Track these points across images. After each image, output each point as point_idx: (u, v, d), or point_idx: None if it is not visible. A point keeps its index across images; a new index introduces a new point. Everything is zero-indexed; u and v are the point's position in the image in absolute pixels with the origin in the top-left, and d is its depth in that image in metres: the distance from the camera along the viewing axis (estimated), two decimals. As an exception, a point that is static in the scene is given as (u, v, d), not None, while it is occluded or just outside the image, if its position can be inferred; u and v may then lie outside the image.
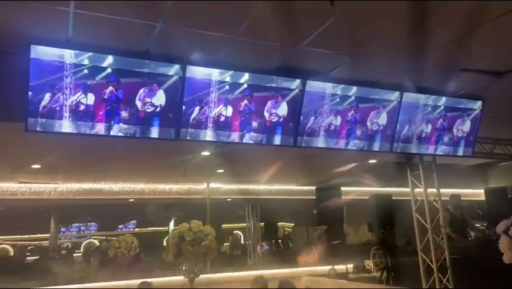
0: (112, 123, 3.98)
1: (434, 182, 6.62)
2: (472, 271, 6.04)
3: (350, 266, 9.25)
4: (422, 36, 3.97)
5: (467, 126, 5.60)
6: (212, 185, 8.62)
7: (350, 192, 9.82)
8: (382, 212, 7.64)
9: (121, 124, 4.01)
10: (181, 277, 6.43)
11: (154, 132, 4.13)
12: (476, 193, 10.74)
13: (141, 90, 4.02)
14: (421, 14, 3.59)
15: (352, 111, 5.02)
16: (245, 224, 11.42)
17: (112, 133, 3.99)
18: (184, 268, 5.25)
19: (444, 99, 5.37)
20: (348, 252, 10.10)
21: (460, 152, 5.66)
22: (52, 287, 6.73)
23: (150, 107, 4.08)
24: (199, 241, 5.16)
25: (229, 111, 4.39)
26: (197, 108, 4.25)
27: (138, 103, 4.03)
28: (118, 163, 6.54)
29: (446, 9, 3.53)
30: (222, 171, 7.52)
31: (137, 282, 5.84)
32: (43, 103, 3.70)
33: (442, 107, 5.44)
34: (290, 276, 8.89)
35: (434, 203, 6.56)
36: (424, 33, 3.91)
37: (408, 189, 6.84)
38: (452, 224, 6.92)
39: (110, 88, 3.91)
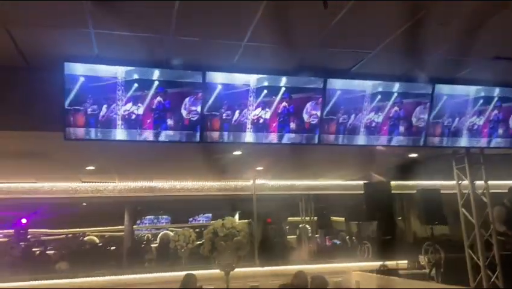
0: (159, 130, 4.30)
1: (482, 174, 6.23)
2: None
3: (402, 262, 8.98)
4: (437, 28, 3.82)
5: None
6: (259, 181, 8.87)
7: (401, 186, 9.49)
8: (430, 207, 7.33)
9: (168, 130, 4.32)
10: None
11: (197, 137, 4.41)
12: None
13: (187, 99, 4.31)
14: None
15: (396, 107, 4.93)
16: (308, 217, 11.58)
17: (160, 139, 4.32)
18: (217, 262, 5.53)
19: (496, 89, 5.06)
20: (402, 247, 9.80)
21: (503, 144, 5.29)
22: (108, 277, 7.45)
23: (194, 115, 4.35)
24: (231, 237, 5.41)
25: (267, 114, 4.55)
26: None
27: (184, 112, 4.31)
28: (167, 163, 7.02)
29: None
30: (261, 168, 7.72)
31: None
32: (97, 113, 4.13)
33: (495, 98, 5.14)
34: (340, 270, 8.93)
35: (482, 197, 6.18)
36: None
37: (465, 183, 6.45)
38: (508, 220, 6.46)
39: (158, 98, 4.24)
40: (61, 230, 18.25)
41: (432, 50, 4.36)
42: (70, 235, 18.80)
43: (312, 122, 4.70)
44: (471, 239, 6.21)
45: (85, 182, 8.15)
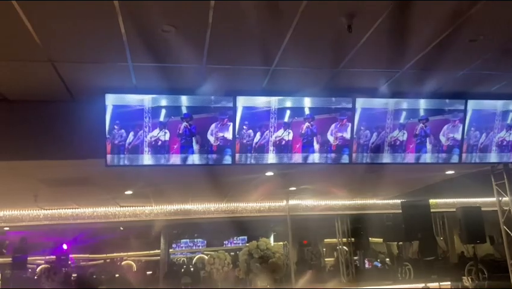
0: (187, 154, 4.50)
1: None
2: None
3: (445, 283, 8.64)
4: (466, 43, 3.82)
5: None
6: (292, 202, 8.86)
7: (441, 204, 9.22)
8: (470, 225, 7.08)
9: (194, 154, 4.52)
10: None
11: (225, 160, 4.58)
12: None
13: (213, 125, 4.50)
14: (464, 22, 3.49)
15: (421, 124, 4.91)
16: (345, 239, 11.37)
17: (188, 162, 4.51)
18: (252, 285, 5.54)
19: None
20: (444, 268, 9.45)
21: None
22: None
23: (221, 140, 4.53)
24: (266, 259, 5.43)
25: (290, 135, 4.65)
26: (258, 134, 4.60)
27: (211, 138, 4.50)
28: (197, 186, 7.18)
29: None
30: (295, 188, 7.73)
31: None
32: (127, 140, 4.36)
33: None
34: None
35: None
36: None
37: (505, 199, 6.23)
38: None
39: (185, 123, 4.44)
40: (100, 256, 18.72)
41: (463, 66, 4.34)
42: (108, 260, 19.20)
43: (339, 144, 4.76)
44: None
45: (123, 206, 8.44)
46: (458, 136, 4.99)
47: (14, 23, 3.13)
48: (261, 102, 4.58)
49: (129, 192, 7.13)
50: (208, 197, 8.45)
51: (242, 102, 4.52)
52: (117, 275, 16.39)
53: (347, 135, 4.78)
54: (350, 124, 4.75)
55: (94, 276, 14.71)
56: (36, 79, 4.15)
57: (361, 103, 4.77)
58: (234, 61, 3.98)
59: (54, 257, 13.01)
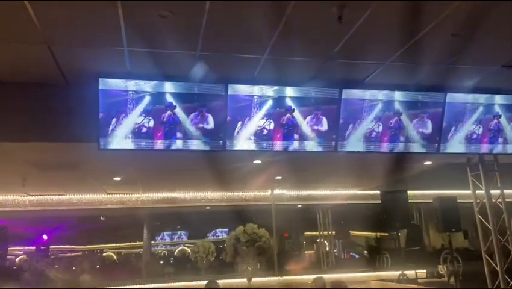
0: (169, 140, 4.60)
1: (497, 181, 6.34)
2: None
3: (421, 271, 9.02)
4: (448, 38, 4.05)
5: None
6: (277, 191, 9.08)
7: (419, 195, 9.58)
8: (446, 214, 7.41)
9: (177, 140, 4.62)
10: (244, 279, 7.00)
11: (206, 146, 4.68)
12: None
13: (192, 115, 4.59)
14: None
15: (396, 117, 5.13)
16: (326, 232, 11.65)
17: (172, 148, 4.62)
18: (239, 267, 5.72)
19: (499, 97, 5.26)
20: (421, 257, 9.84)
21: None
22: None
23: (200, 129, 4.63)
24: (253, 242, 5.62)
25: (271, 125, 4.79)
26: (239, 123, 4.72)
27: (191, 127, 4.61)
28: (186, 174, 7.30)
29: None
30: (280, 178, 7.93)
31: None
32: (112, 126, 4.45)
33: (494, 105, 5.31)
34: (359, 280, 9.01)
35: (498, 204, 6.28)
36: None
37: (480, 192, 6.55)
38: None
39: (168, 112, 4.54)
40: (80, 247, 18.59)
41: (443, 60, 4.59)
42: (87, 252, 19.11)
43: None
44: (487, 245, 6.29)
45: (110, 193, 8.49)
46: (436, 128, 5.23)
47: (15, 4, 3.20)
48: (251, 90, 4.70)
49: (117, 178, 7.20)
50: (195, 185, 8.59)
51: (230, 90, 4.65)
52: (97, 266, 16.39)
53: (332, 124, 4.96)
54: (335, 114, 4.93)
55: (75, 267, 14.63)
56: (30, 62, 4.20)
57: (346, 94, 4.96)
58: (227, 49, 4.12)
59: (34, 248, 12.92)
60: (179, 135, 4.59)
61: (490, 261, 6.21)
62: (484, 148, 5.44)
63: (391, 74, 4.85)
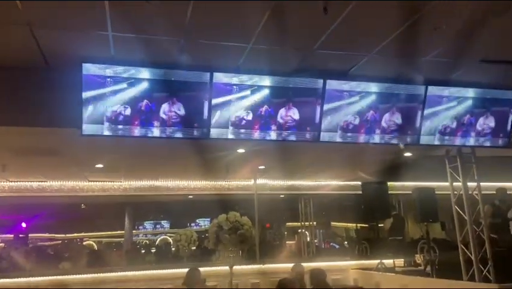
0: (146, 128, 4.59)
1: (474, 174, 6.53)
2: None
3: (400, 260, 9.24)
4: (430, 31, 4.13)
5: (501, 117, 5.55)
6: (260, 181, 9.16)
7: (398, 187, 9.79)
8: (424, 205, 7.61)
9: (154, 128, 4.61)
10: (226, 267, 7.07)
11: (179, 134, 4.68)
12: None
13: (165, 105, 4.56)
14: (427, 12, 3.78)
15: (372, 111, 5.20)
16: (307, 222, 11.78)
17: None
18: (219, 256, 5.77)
19: (473, 90, 5.39)
20: (401, 247, 10.07)
21: (495, 143, 5.62)
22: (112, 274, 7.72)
23: (175, 117, 4.62)
24: (235, 230, 5.68)
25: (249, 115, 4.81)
26: (218, 112, 4.72)
27: (163, 116, 4.58)
28: (169, 162, 7.31)
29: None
30: (263, 167, 8.00)
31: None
32: (93, 112, 4.42)
33: (471, 99, 5.45)
34: (339, 268, 9.19)
35: (475, 195, 6.48)
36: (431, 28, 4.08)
37: (457, 183, 6.72)
38: (495, 219, 6.69)
39: (145, 101, 4.52)
40: (59, 236, 18.42)
41: (425, 53, 4.68)
42: (66, 241, 18.95)
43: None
44: (463, 235, 6.49)
45: (92, 181, 8.42)
46: (417, 120, 5.35)
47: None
48: (231, 80, 4.69)
49: (99, 165, 7.14)
50: (178, 174, 8.60)
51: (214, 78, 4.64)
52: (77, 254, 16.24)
53: (315, 114, 5.02)
54: (320, 105, 5.00)
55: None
56: (11, 44, 4.13)
57: (329, 85, 5.02)
58: (213, 37, 4.12)
59: (12, 236, 12.73)
60: (156, 123, 4.58)
61: (465, 250, 6.41)
62: (459, 140, 5.59)
63: (375, 66, 4.93)
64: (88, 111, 4.40)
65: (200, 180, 9.06)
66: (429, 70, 5.07)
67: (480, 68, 4.98)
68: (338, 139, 5.11)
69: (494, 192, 7.53)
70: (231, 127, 4.74)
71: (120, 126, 4.49)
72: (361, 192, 9.61)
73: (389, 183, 9.38)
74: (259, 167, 7.98)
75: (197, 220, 21.67)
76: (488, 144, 5.65)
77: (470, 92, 5.47)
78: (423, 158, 7.38)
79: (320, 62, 4.81)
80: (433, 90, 5.31)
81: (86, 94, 4.37)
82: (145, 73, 4.46)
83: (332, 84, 5.00)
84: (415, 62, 4.90)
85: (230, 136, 4.76)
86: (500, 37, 4.33)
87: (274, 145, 5.60)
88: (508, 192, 7.37)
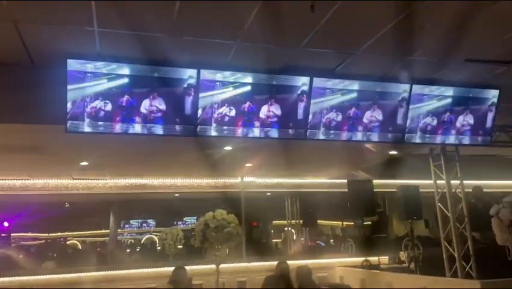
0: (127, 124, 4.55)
1: (457, 172, 6.65)
2: (497, 260, 6.02)
3: (384, 258, 9.36)
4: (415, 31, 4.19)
5: (481, 115, 5.65)
6: (247, 179, 9.17)
7: (383, 184, 9.90)
8: (409, 202, 7.70)
9: (135, 124, 4.57)
10: (213, 265, 7.06)
11: (161, 130, 4.65)
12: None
13: (147, 100, 4.53)
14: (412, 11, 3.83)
15: (354, 108, 5.24)
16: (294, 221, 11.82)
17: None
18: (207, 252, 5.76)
19: (453, 89, 5.48)
20: (385, 244, 10.21)
21: (475, 141, 5.72)
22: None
23: (157, 113, 4.59)
24: (222, 228, 5.67)
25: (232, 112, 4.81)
26: (201, 109, 4.69)
27: (144, 111, 4.55)
28: (155, 160, 7.25)
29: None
30: (250, 165, 8.01)
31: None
32: (78, 109, 4.37)
33: (451, 98, 5.54)
34: (325, 266, 9.26)
35: (458, 193, 6.60)
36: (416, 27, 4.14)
37: (442, 182, 6.81)
38: (473, 216, 6.79)
39: (126, 96, 4.48)
40: (42, 235, 18.14)
41: (411, 52, 4.74)
42: (50, 240, 18.69)
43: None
44: (447, 232, 6.61)
45: (76, 179, 8.31)
46: (402, 118, 5.42)
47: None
48: (215, 76, 4.68)
49: (84, 163, 7.06)
50: (165, 172, 8.54)
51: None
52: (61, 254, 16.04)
53: (301, 112, 5.04)
54: (306, 102, 5.02)
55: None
56: (-4, 41, 4.06)
57: (316, 83, 5.05)
58: (200, 34, 4.10)
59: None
60: (137, 119, 4.54)
61: (448, 247, 6.53)
62: (440, 138, 5.67)
63: (361, 65, 4.98)
64: (72, 108, 4.34)
65: (186, 178, 9.01)
66: (414, 68, 5.14)
67: (465, 67, 5.07)
68: (321, 137, 5.13)
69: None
70: (214, 124, 4.72)
71: (100, 123, 4.43)
72: (346, 190, 9.68)
73: (374, 181, 9.47)
74: (246, 165, 7.98)
75: (184, 219, 21.57)
76: (467, 141, 5.73)
77: (451, 90, 5.55)
78: (408, 156, 7.50)
79: (307, 60, 4.84)
80: (417, 89, 5.38)
81: (69, 91, 4.31)
82: (126, 69, 4.41)
83: (317, 82, 5.03)
84: (401, 61, 4.95)
85: (213, 133, 4.74)
86: (484, 37, 4.40)
87: (262, 143, 5.62)
88: (483, 190, 7.53)
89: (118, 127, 4.52)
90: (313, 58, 4.81)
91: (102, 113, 4.41)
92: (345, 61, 4.90)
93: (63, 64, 4.23)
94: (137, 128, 4.57)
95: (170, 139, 4.97)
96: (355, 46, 4.57)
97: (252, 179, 9.30)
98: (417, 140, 5.51)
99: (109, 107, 4.42)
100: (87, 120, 4.40)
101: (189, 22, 3.88)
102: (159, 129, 4.63)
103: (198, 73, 4.63)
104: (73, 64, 4.28)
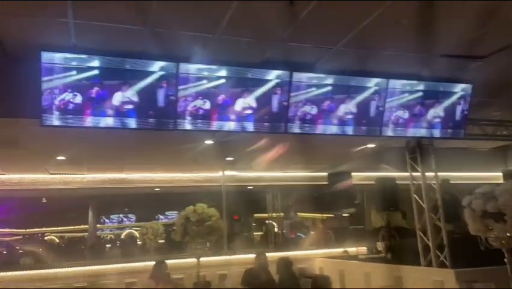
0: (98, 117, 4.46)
1: (432, 164, 6.81)
2: (471, 249, 6.22)
3: (362, 248, 9.56)
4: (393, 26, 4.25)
5: (454, 109, 5.80)
6: (228, 172, 9.18)
7: (362, 177, 10.07)
8: (386, 194, 7.87)
9: (106, 117, 4.48)
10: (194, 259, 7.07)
11: (132, 124, 4.57)
12: (496, 176, 10.67)
13: (119, 93, 4.45)
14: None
15: (328, 101, 5.29)
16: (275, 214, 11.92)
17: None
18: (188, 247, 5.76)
19: (427, 83, 5.60)
20: (364, 235, 10.41)
21: (448, 134, 5.88)
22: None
23: (128, 104, 4.50)
24: (203, 222, 5.68)
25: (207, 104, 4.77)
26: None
27: (116, 103, 4.47)
28: (134, 154, 7.19)
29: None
30: (232, 159, 8.02)
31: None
32: (53, 102, 4.29)
33: (425, 92, 5.65)
34: (305, 257, 9.40)
35: (432, 184, 6.77)
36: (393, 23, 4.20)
37: (418, 174, 6.95)
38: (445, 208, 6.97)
39: (96, 88, 4.39)
40: (19, 231, 17.79)
41: (387, 47, 4.82)
42: (27, 236, 18.34)
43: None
44: (422, 222, 6.78)
45: (53, 173, 8.16)
46: (379, 112, 5.51)
47: None
48: (188, 68, 4.63)
49: (61, 157, 6.94)
50: (144, 166, 8.47)
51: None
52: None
53: (280, 105, 5.08)
54: (287, 96, 5.06)
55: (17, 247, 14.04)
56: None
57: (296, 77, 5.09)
58: (178, 26, 4.07)
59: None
60: (109, 112, 4.46)
61: (423, 237, 6.71)
62: (411, 131, 5.77)
63: (340, 59, 5.03)
64: (44, 100, 4.25)
65: (167, 173, 8.97)
66: (391, 63, 5.23)
67: (439, 62, 5.18)
68: (297, 130, 5.18)
69: (455, 182, 7.88)
70: (188, 118, 4.69)
71: (70, 116, 4.34)
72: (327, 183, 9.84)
73: (353, 174, 9.64)
74: (227, 159, 7.99)
75: (164, 213, 21.43)
76: (440, 135, 5.87)
77: (425, 85, 5.64)
78: (385, 149, 7.63)
79: (287, 55, 4.86)
80: (393, 83, 5.47)
81: (43, 83, 4.22)
82: (96, 61, 4.32)
83: (296, 76, 5.06)
84: (378, 56, 5.03)
85: (187, 126, 4.71)
86: (458, 32, 4.50)
87: (243, 136, 5.64)
88: (450, 182, 7.75)
89: (89, 121, 4.42)
90: (293, 53, 4.83)
91: (71, 106, 4.31)
92: (324, 56, 4.94)
93: (38, 56, 4.13)
94: (109, 121, 4.48)
95: (148, 133, 4.93)
96: (334, 41, 4.61)
97: (233, 173, 9.32)
98: (389, 133, 5.59)
99: (78, 99, 4.33)
100: (56, 113, 4.30)
101: (166, 14, 3.83)
102: (132, 122, 4.55)
103: (177, 66, 4.59)
104: (46, 56, 4.18)
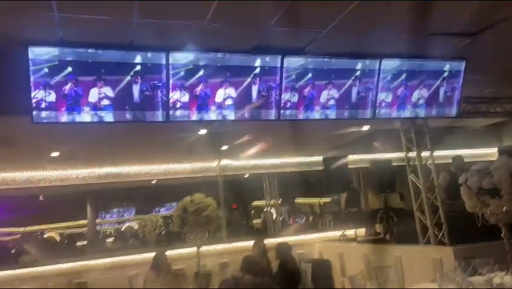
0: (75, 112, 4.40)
1: (427, 144, 6.82)
2: (469, 227, 6.27)
3: (361, 230, 9.60)
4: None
5: (448, 88, 5.79)
6: (224, 162, 9.17)
7: (358, 160, 10.08)
8: (382, 177, 7.91)
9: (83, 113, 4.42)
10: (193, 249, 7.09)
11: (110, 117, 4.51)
12: (492, 153, 10.74)
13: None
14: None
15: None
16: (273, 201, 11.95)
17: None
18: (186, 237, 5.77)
19: (418, 62, 5.57)
20: (362, 218, 10.45)
21: (443, 113, 5.88)
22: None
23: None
24: (200, 211, 5.69)
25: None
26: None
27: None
28: (129, 147, 7.16)
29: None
30: (226, 148, 8.00)
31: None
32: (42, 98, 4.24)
33: (418, 72, 5.64)
34: (304, 242, 9.47)
35: (428, 165, 6.79)
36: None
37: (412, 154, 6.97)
38: (448, 188, 7.00)
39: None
40: (18, 229, 17.77)
41: (378, 28, 4.78)
42: (26, 234, 18.33)
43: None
44: (419, 202, 6.82)
45: (48, 170, 8.10)
46: (373, 93, 5.50)
47: None
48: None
49: (55, 154, 6.89)
50: (139, 158, 8.45)
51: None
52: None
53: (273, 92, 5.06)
54: (278, 82, 5.02)
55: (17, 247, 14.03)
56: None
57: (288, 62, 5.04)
58: (166, 16, 4.01)
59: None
60: (85, 108, 4.40)
61: (421, 217, 6.75)
62: (396, 113, 5.75)
63: (331, 43, 4.98)
64: (37, 97, 4.22)
65: (162, 164, 8.94)
66: (383, 44, 5.19)
67: (431, 41, 5.15)
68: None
69: (450, 160, 7.87)
70: (170, 111, 4.63)
71: (44, 112, 4.28)
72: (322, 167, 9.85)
73: (349, 157, 9.64)
74: (222, 148, 7.97)
75: (163, 205, 21.45)
76: (436, 113, 5.86)
77: (418, 64, 5.60)
78: (381, 131, 7.64)
79: (276, 40, 4.81)
80: (386, 63, 5.44)
81: (35, 80, 4.18)
82: (72, 55, 4.25)
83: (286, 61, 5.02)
84: (370, 37, 4.99)
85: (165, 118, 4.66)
86: (448, 10, 4.46)
87: (237, 125, 5.62)
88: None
89: (64, 118, 4.37)
90: (282, 38, 4.78)
91: (43, 103, 4.25)
92: (314, 39, 4.89)
93: (25, 51, 4.07)
94: (86, 117, 4.42)
95: (140, 125, 4.89)
96: (324, 24, 4.57)
97: (229, 162, 9.31)
98: (385, 115, 5.59)
99: (52, 97, 4.26)
100: (34, 112, 4.25)
101: (153, 4, 3.77)
102: (109, 116, 4.49)
103: (167, 56, 4.54)
104: (41, 52, 4.14)
